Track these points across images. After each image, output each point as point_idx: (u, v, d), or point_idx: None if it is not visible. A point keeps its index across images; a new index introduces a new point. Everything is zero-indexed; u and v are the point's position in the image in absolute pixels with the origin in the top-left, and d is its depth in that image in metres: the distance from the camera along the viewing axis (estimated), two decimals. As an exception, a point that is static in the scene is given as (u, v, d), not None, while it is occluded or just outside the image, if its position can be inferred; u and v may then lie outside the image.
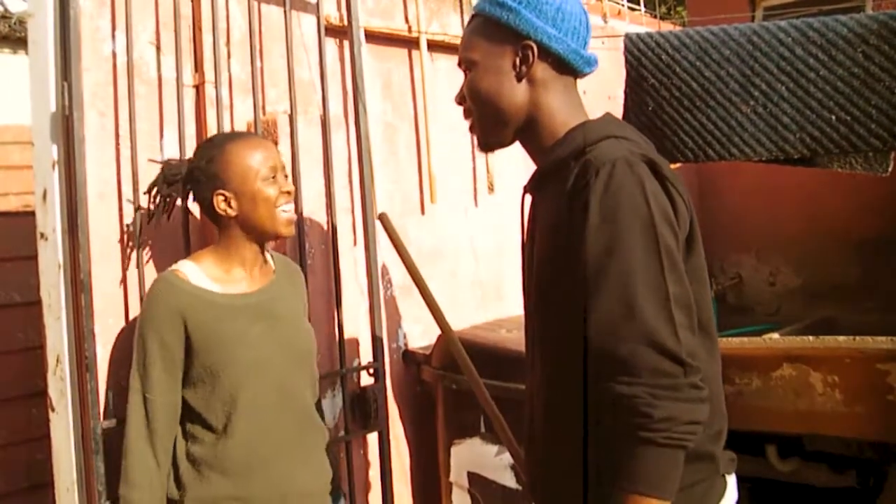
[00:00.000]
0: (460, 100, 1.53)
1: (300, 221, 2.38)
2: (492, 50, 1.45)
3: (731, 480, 1.47)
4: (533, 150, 1.51)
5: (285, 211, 1.87)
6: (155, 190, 2.05)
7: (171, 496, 1.80)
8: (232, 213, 1.85)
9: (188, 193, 1.99)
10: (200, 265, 1.87)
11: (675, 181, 1.34)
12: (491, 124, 1.49)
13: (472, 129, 1.55)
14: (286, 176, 1.92)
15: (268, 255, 1.99)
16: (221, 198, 1.84)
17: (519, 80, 1.44)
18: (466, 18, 3.19)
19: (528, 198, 1.61)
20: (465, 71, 1.51)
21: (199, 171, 1.88)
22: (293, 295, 2.00)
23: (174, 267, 1.86)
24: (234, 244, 1.88)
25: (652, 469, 1.20)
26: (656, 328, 1.21)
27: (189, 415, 1.82)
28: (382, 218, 2.03)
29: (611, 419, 1.24)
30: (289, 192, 1.88)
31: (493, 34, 1.45)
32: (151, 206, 2.06)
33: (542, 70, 1.44)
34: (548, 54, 1.43)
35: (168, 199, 2.05)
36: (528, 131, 1.48)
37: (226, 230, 1.88)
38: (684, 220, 1.34)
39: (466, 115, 1.53)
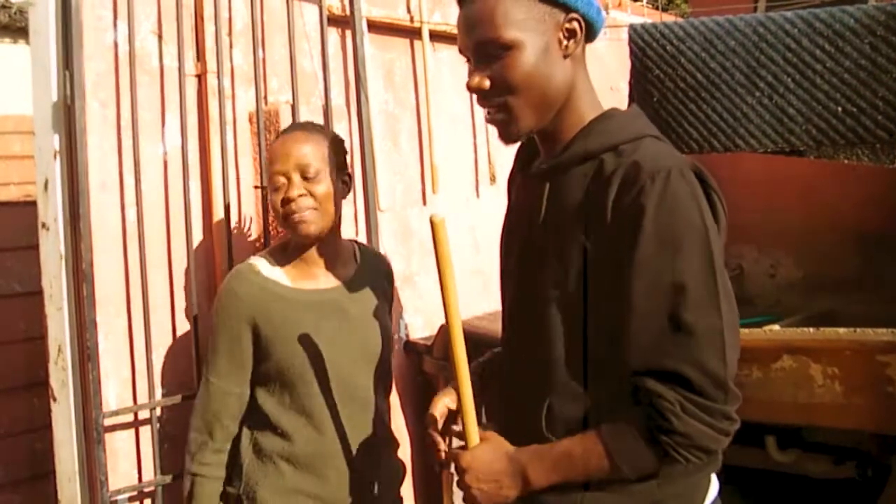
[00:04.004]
0: (477, 86, 1.32)
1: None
2: (537, 26, 1.28)
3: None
4: (550, 135, 1.36)
5: (288, 216, 1.80)
6: None
7: (236, 490, 1.84)
8: None
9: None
10: (275, 258, 1.87)
11: (717, 189, 1.28)
12: (537, 110, 1.31)
13: (495, 119, 1.34)
14: (309, 178, 1.80)
15: (355, 248, 1.99)
16: None
17: (565, 57, 1.30)
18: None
19: (520, 180, 1.50)
20: (486, 53, 1.30)
21: None
22: (372, 292, 1.94)
23: (250, 260, 1.88)
24: (291, 239, 1.88)
25: (639, 458, 1.21)
26: (704, 349, 1.18)
27: (259, 408, 1.84)
28: (433, 221, 1.62)
29: (634, 407, 1.22)
30: (289, 199, 1.79)
31: (536, 8, 1.28)
32: None
33: (580, 45, 1.32)
34: (588, 27, 1.32)
35: None
36: (557, 114, 1.33)
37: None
38: (723, 230, 1.29)
39: (486, 101, 1.33)
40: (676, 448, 1.18)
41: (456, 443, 1.41)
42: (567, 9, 1.28)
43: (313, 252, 1.86)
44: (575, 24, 1.29)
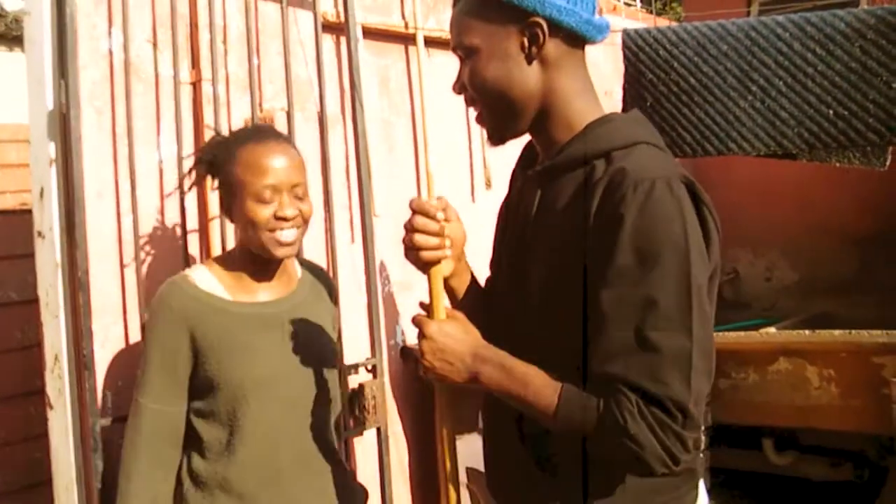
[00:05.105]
0: (460, 89, 1.36)
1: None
2: (494, 32, 1.28)
3: (701, 483, 1.42)
4: (544, 139, 1.36)
5: (277, 236, 1.71)
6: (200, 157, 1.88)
7: None
8: (234, 219, 1.76)
9: (203, 178, 1.88)
10: (213, 270, 1.77)
11: (710, 205, 1.23)
12: (502, 116, 1.33)
13: (479, 120, 1.38)
14: (299, 196, 1.74)
15: (294, 262, 1.89)
16: (227, 203, 1.76)
17: (529, 62, 1.28)
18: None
19: (521, 179, 1.47)
20: (460, 57, 1.34)
21: (220, 161, 1.77)
22: (316, 307, 1.87)
23: (186, 271, 1.78)
24: (243, 250, 1.77)
25: (578, 432, 1.18)
26: (668, 369, 1.13)
27: (193, 429, 1.73)
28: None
29: (597, 403, 1.17)
30: (285, 218, 1.70)
31: (494, 13, 1.27)
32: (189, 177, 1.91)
33: (553, 48, 1.27)
34: (559, 29, 1.26)
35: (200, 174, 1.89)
36: (541, 119, 1.32)
37: (236, 233, 1.80)
38: (715, 250, 1.23)
39: (469, 103, 1.37)
40: (622, 449, 1.14)
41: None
42: (525, 13, 1.25)
43: (260, 266, 1.78)
44: (536, 29, 1.26)
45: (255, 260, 1.77)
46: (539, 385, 1.22)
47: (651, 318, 1.14)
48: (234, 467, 1.70)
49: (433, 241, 1.36)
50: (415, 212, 1.36)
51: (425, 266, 1.39)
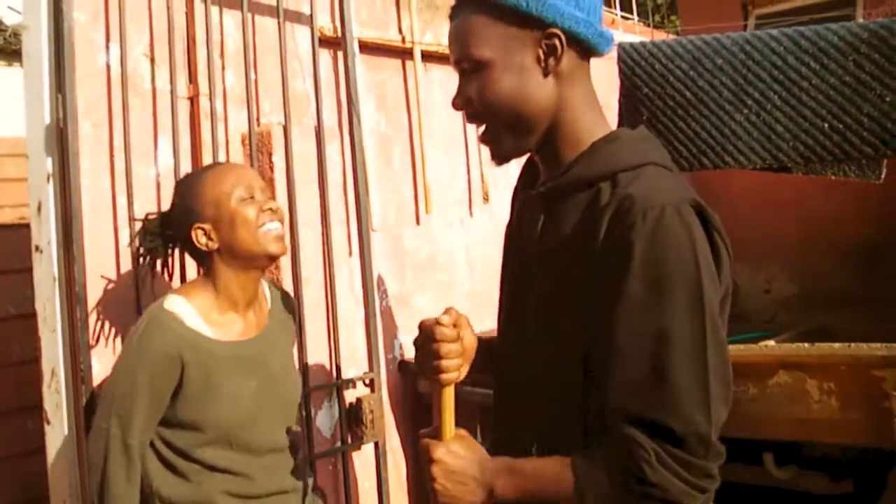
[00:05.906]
0: (462, 104, 1.30)
1: (294, 233, 2.37)
2: (508, 44, 1.22)
3: None
4: (548, 156, 1.31)
5: (270, 229, 1.74)
6: (139, 246, 1.92)
7: None
8: (213, 245, 1.73)
9: (172, 239, 1.88)
10: (193, 303, 1.72)
11: (721, 229, 1.20)
12: (514, 133, 1.27)
13: (484, 138, 1.32)
14: (271, 197, 1.80)
15: (265, 287, 1.89)
16: (200, 231, 1.72)
17: (545, 76, 1.24)
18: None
19: (523, 198, 1.44)
20: (464, 70, 1.27)
21: (174, 210, 1.81)
22: (285, 340, 1.91)
23: (166, 305, 1.70)
24: (222, 281, 1.75)
25: (607, 501, 1.14)
26: (688, 402, 1.10)
27: (162, 457, 1.72)
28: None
29: (610, 448, 1.15)
30: (272, 210, 1.75)
31: (509, 24, 1.22)
32: (140, 260, 1.94)
33: (567, 60, 1.24)
34: (575, 42, 1.23)
35: (152, 253, 1.92)
36: (548, 135, 1.28)
37: (212, 267, 1.76)
38: (726, 274, 1.20)
39: (473, 119, 1.31)
40: (649, 498, 1.11)
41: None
42: (543, 24, 1.21)
43: (243, 293, 1.77)
44: (554, 41, 1.21)
45: (233, 290, 1.76)
46: (552, 473, 1.19)
47: (666, 351, 1.11)
48: (214, 497, 1.71)
49: (456, 362, 1.29)
50: (436, 340, 1.28)
51: (442, 385, 1.30)
